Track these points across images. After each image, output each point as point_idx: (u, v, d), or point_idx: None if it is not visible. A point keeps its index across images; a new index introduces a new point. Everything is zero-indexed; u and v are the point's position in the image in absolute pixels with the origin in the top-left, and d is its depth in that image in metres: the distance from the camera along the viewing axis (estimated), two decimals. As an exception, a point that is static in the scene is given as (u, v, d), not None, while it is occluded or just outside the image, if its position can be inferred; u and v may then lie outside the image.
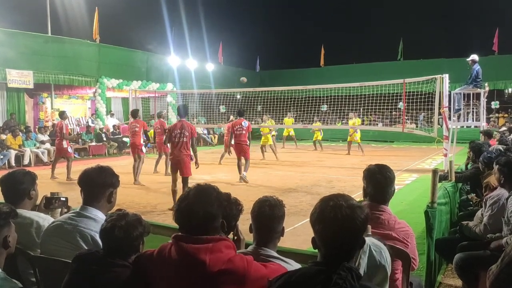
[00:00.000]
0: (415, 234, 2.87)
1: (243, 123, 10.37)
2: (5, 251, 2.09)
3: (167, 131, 8.11)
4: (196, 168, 7.50)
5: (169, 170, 9.89)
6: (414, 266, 2.58)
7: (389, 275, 2.14)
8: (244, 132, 10.31)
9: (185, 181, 7.27)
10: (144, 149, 10.69)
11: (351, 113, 16.92)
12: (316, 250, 1.66)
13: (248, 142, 10.34)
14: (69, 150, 11.04)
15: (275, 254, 2.16)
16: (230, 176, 10.69)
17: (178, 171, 7.39)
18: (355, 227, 1.59)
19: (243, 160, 10.25)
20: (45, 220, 2.77)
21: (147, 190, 9.25)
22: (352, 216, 1.59)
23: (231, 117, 17.01)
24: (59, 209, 3.05)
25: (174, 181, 7.43)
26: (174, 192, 7.36)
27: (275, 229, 2.22)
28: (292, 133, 19.51)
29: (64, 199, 3.02)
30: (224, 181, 10.09)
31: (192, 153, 7.42)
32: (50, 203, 3.00)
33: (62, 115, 11.22)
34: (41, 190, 3.08)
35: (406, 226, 2.63)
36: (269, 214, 2.20)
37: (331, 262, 1.56)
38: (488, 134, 8.99)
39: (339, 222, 1.57)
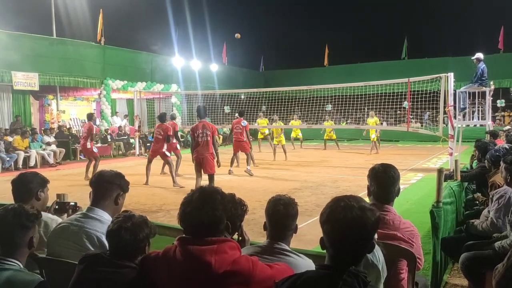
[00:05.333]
0: (421, 233, 2.87)
1: (242, 123, 11.52)
2: (29, 251, 2.18)
3: (190, 132, 8.67)
4: (218, 167, 8.09)
5: (179, 171, 11.04)
6: (420, 266, 2.58)
7: (383, 274, 2.16)
8: (241, 130, 11.51)
9: (210, 178, 7.88)
10: (167, 153, 10.32)
11: (371, 111, 16.99)
12: (323, 251, 1.65)
13: (246, 139, 11.49)
14: (94, 150, 11.04)
15: (289, 249, 2.23)
16: (235, 177, 10.71)
17: (202, 169, 7.95)
18: (365, 229, 1.56)
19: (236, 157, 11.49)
20: (53, 220, 2.81)
21: (153, 191, 9.28)
22: (362, 218, 1.55)
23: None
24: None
25: (198, 178, 8.02)
26: None
27: (289, 226, 2.30)
28: (300, 134, 19.61)
29: (73, 203, 3.05)
30: (229, 182, 10.12)
31: (214, 152, 7.97)
32: (61, 209, 3.03)
33: (91, 117, 11.30)
34: (50, 191, 3.10)
35: (411, 226, 2.62)
36: (283, 213, 2.27)
37: (338, 265, 1.53)
38: (493, 134, 8.94)
39: (348, 224, 1.54)
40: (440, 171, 3.66)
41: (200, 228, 1.83)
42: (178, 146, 11.81)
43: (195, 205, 1.86)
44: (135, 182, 9.80)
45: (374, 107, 17.45)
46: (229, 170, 11.19)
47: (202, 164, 7.88)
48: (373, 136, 16.48)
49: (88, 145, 10.75)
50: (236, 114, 12.41)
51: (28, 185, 2.86)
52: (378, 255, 2.13)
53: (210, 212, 1.83)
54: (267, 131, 18.79)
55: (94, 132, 10.80)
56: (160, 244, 2.22)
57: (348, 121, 20.62)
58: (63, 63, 17.07)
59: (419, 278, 2.76)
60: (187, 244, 1.82)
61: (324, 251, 1.64)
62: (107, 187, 2.59)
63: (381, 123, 19.46)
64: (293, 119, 18.98)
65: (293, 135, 19.44)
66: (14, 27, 16.64)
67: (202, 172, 8.01)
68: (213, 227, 1.84)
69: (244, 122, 11.54)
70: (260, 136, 17.72)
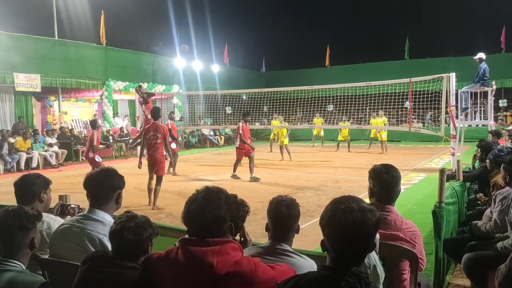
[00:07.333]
0: (423, 234, 2.86)
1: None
2: (31, 252, 2.19)
3: (142, 133, 8.85)
4: (166, 159, 8.45)
5: (176, 170, 11.42)
6: (422, 266, 2.57)
7: (381, 275, 2.15)
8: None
9: (159, 179, 7.78)
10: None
11: (381, 111, 17.01)
12: (324, 252, 1.65)
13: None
14: (97, 159, 9.92)
15: (291, 249, 2.23)
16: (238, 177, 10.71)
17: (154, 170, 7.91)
18: (366, 231, 1.55)
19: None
20: (55, 221, 2.81)
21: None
22: (363, 219, 1.54)
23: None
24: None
25: (151, 179, 7.93)
26: (149, 190, 7.85)
27: (291, 227, 2.30)
28: (321, 133, 19.78)
29: (76, 207, 3.05)
30: (230, 182, 10.12)
31: (166, 153, 8.15)
32: (64, 211, 3.03)
33: (95, 124, 10.15)
34: (52, 192, 3.10)
35: (413, 226, 2.62)
36: (286, 214, 2.27)
37: (340, 266, 1.53)
38: (496, 134, 8.91)
39: (349, 226, 1.53)
40: (442, 171, 3.66)
41: (203, 226, 1.84)
42: (174, 145, 11.68)
43: (200, 202, 1.86)
44: (137, 183, 9.79)
45: (376, 107, 17.43)
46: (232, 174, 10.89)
47: (154, 165, 7.88)
48: (383, 136, 16.52)
49: (91, 154, 9.89)
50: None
51: (31, 187, 2.86)
52: (373, 256, 2.14)
53: (214, 210, 1.84)
54: (322, 132, 19.43)
55: (95, 143, 9.74)
56: (162, 245, 2.22)
57: (350, 121, 20.60)
58: (65, 65, 17.10)
59: (421, 278, 2.75)
60: (189, 245, 1.82)
61: (326, 253, 1.64)
62: (107, 194, 2.59)
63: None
64: (315, 117, 19.04)
65: (315, 133, 19.59)
66: (15, 28, 16.69)
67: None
68: (216, 226, 1.84)
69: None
70: (272, 136, 17.78)
